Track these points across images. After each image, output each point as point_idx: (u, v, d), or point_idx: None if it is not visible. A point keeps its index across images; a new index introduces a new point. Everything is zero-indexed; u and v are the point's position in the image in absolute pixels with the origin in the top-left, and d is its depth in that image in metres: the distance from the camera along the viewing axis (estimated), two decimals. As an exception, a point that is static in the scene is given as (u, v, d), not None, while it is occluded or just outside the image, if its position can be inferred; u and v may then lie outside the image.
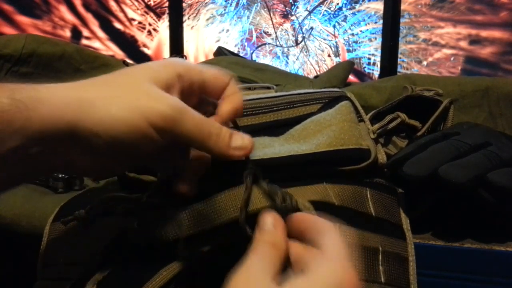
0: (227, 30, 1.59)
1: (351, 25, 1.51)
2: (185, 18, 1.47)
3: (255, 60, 1.47)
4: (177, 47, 1.34)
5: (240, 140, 0.36)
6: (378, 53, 1.37)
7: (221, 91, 0.38)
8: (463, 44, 1.39)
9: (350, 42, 1.52)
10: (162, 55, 1.56)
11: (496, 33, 1.36)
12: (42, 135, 0.30)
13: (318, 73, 1.46)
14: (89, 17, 1.56)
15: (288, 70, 1.34)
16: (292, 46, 1.55)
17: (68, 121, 0.31)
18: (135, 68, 0.35)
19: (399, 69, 1.36)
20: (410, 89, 0.57)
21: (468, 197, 0.45)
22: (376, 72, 1.46)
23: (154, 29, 1.59)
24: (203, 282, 0.38)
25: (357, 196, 0.44)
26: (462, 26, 1.39)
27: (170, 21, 1.36)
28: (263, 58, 1.57)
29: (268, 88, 0.69)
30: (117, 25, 1.58)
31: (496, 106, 0.67)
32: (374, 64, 1.49)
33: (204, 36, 1.59)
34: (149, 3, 1.58)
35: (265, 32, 1.57)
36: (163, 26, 1.57)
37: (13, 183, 0.33)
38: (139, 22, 1.59)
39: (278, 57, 1.57)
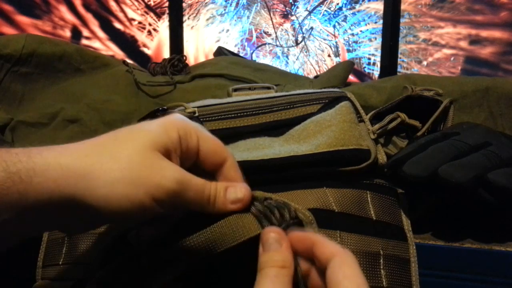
0: (227, 30, 1.59)
1: (351, 25, 1.51)
2: (185, 18, 1.47)
3: (255, 60, 1.47)
4: (177, 47, 1.34)
5: (235, 194, 0.35)
6: (378, 53, 1.37)
7: (217, 166, 0.37)
8: (463, 44, 1.39)
9: (350, 42, 1.52)
10: (162, 55, 1.56)
11: (496, 33, 1.36)
12: (37, 207, 0.29)
13: (318, 73, 1.46)
14: (89, 17, 1.56)
15: (288, 70, 1.34)
16: (292, 46, 1.55)
17: (66, 194, 0.30)
18: (135, 131, 0.34)
19: (399, 69, 1.36)
20: (410, 89, 0.57)
21: (468, 197, 0.45)
22: (376, 72, 1.46)
23: (154, 29, 1.59)
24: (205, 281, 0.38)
25: (357, 200, 0.44)
26: (462, 26, 1.39)
27: (170, 21, 1.36)
28: (263, 58, 1.57)
29: (268, 88, 0.69)
30: (117, 25, 1.58)
31: (496, 106, 0.67)
32: (374, 64, 1.48)
33: (204, 36, 1.59)
34: (149, 3, 1.58)
35: (265, 32, 1.57)
36: (163, 26, 1.57)
37: (2, 247, 0.32)
38: (139, 22, 1.59)
39: (278, 57, 1.57)
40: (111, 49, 1.58)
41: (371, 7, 1.47)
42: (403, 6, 1.31)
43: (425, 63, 1.44)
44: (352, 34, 1.51)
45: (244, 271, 0.33)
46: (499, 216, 0.47)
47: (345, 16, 1.51)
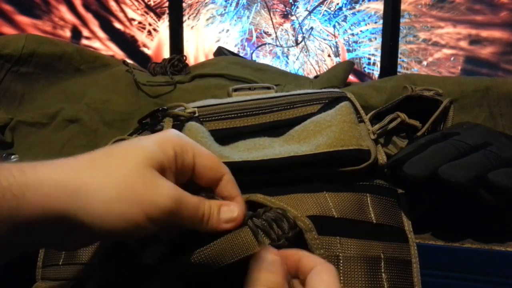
0: (227, 30, 1.59)
1: (351, 25, 1.51)
2: (185, 18, 1.47)
3: (255, 60, 1.47)
4: (177, 47, 1.34)
5: (228, 213, 0.35)
6: (378, 53, 1.37)
7: (213, 182, 0.36)
8: (463, 44, 1.39)
9: (350, 42, 1.52)
10: (162, 55, 1.56)
11: (496, 33, 1.36)
12: (30, 224, 0.28)
13: (318, 73, 1.46)
14: (89, 17, 1.56)
15: (288, 70, 1.34)
16: (292, 46, 1.55)
17: (59, 210, 0.29)
18: (130, 147, 0.33)
19: (399, 69, 1.36)
20: (410, 89, 0.57)
21: (468, 197, 0.45)
22: (376, 72, 1.46)
23: (154, 29, 1.59)
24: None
25: (357, 204, 0.44)
26: (462, 26, 1.39)
27: (170, 21, 1.36)
28: (263, 58, 1.57)
29: (268, 88, 0.69)
30: (117, 25, 1.58)
31: (496, 106, 0.67)
32: (374, 64, 1.48)
33: (204, 36, 1.59)
34: (149, 3, 1.58)
35: (265, 32, 1.57)
36: (163, 26, 1.57)
37: None
38: (139, 22, 1.59)
39: (278, 57, 1.57)
40: (111, 49, 1.58)
41: (371, 7, 1.47)
42: (403, 6, 1.31)
43: (425, 63, 1.44)
44: (352, 34, 1.51)
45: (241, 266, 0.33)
46: (499, 216, 0.47)
47: (345, 16, 1.51)
